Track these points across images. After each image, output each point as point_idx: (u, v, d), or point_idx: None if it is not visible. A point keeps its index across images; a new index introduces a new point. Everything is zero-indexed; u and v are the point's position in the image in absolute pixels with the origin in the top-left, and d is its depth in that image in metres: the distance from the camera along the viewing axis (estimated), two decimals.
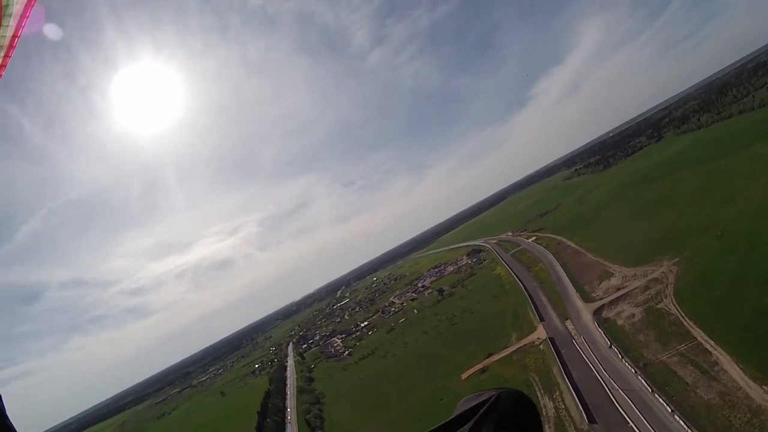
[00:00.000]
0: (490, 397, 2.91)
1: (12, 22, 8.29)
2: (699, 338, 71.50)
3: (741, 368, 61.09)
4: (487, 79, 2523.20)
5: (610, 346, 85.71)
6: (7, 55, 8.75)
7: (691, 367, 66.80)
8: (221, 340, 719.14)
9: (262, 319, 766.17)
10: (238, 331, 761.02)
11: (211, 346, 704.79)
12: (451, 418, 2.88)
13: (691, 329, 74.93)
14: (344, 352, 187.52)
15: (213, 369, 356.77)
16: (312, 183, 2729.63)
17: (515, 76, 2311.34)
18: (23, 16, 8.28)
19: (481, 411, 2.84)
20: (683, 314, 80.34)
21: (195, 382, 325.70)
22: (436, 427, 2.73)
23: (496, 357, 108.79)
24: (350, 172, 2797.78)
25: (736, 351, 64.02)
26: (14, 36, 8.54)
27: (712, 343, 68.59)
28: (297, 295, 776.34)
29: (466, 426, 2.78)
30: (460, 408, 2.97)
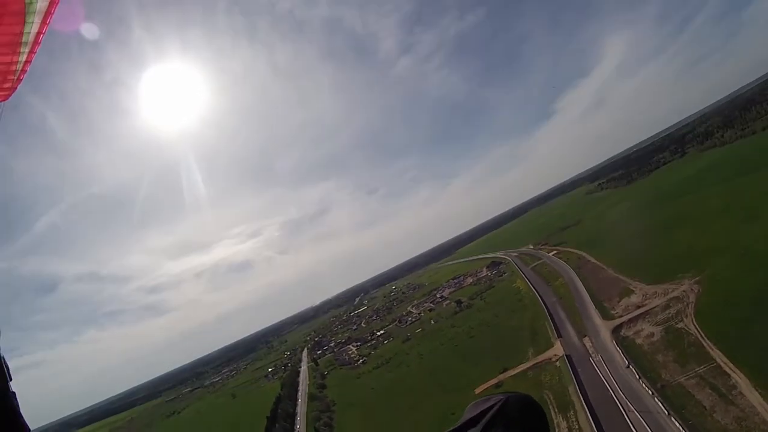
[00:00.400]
0: (498, 401, 2.98)
1: (36, 19, 8.41)
2: (718, 360, 70.60)
3: (760, 393, 60.19)
4: (512, 91, 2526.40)
5: (628, 366, 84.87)
6: (32, 51, 8.95)
7: (709, 390, 65.96)
8: (237, 342, 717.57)
9: (278, 322, 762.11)
10: (255, 333, 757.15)
11: (226, 347, 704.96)
12: (459, 423, 2.94)
13: (710, 350, 74.01)
14: (359, 360, 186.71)
15: (226, 370, 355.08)
16: (335, 189, 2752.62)
17: (541, 89, 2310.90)
18: (48, 13, 8.41)
19: (489, 415, 2.88)
20: (703, 335, 79.40)
21: (207, 382, 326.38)
22: None
23: (511, 372, 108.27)
24: (373, 180, 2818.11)
25: (755, 374, 63.06)
26: (39, 33, 8.70)
27: (732, 365, 67.68)
28: (315, 300, 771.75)
29: (474, 430, 2.82)
30: (469, 413, 3.02)
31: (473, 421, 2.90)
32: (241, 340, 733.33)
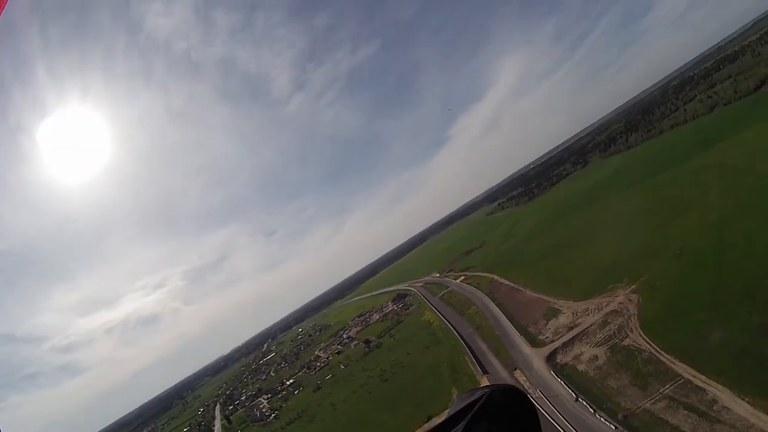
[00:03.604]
0: (483, 395, 3.15)
1: None
2: (685, 374, 66.44)
3: (747, 401, 56.51)
4: (407, 121, 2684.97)
5: (577, 399, 78.51)
6: None
7: (685, 411, 60.90)
8: (153, 399, 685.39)
9: (192, 375, 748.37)
10: (170, 388, 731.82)
11: (143, 405, 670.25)
12: (444, 419, 3.03)
13: (672, 365, 69.84)
14: (270, 414, 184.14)
15: None
16: (234, 233, 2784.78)
17: (435, 117, 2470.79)
18: None
19: (474, 409, 3.06)
20: (658, 349, 75.66)
21: None
22: (429, 428, 2.94)
23: (437, 420, 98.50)
24: (271, 221, 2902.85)
25: (735, 382, 59.63)
26: None
27: (703, 377, 63.80)
28: (225, 349, 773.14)
29: (459, 426, 2.98)
30: (453, 408, 3.09)
31: (458, 416, 3.05)
32: (157, 397, 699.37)
